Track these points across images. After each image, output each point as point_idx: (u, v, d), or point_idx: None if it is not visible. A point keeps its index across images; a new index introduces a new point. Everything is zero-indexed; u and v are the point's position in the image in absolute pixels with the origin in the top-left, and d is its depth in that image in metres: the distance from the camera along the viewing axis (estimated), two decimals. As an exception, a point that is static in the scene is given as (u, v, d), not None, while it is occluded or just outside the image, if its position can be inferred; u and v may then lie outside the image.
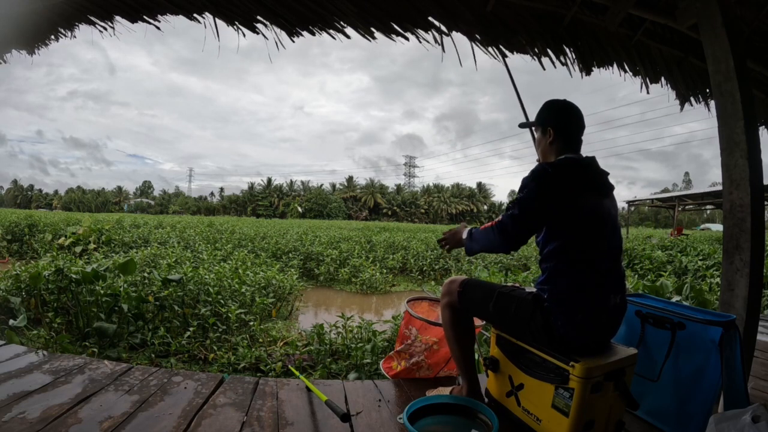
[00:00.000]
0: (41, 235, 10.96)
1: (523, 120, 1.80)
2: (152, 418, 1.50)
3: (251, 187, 70.08)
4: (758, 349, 2.32)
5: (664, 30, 2.47)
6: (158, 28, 2.61)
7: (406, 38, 2.52)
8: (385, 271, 8.90)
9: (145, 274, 4.70)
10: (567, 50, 2.67)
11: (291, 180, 76.98)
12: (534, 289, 1.46)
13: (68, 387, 1.69)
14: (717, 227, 32.55)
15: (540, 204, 1.32)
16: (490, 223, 1.41)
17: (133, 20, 2.62)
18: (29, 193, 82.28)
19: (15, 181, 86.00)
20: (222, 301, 4.40)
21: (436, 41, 2.50)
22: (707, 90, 2.89)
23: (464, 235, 1.51)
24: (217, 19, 2.44)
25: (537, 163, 1.47)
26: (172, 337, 3.60)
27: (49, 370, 1.85)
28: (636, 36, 2.49)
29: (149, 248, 7.70)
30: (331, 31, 2.51)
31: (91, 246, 9.33)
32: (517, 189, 1.45)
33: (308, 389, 1.81)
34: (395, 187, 73.45)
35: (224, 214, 59.97)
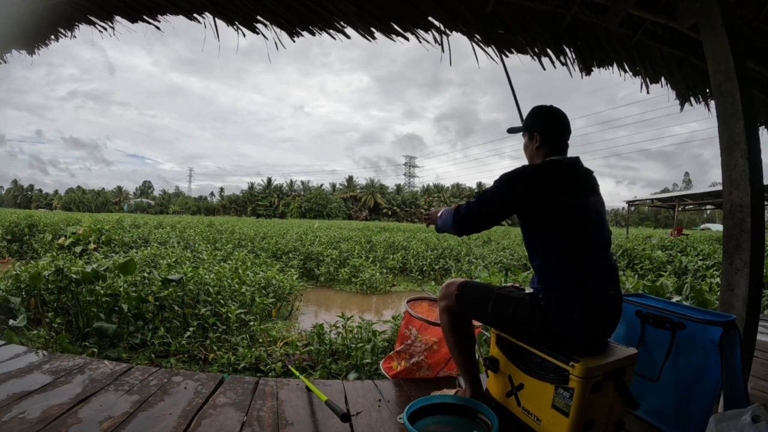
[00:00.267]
0: (41, 235, 10.96)
1: (521, 121, 1.82)
2: (152, 418, 1.50)
3: (251, 187, 70.11)
4: (758, 349, 2.33)
5: (664, 30, 2.47)
6: (158, 28, 2.61)
7: (406, 38, 2.52)
8: (385, 271, 8.90)
9: (145, 274, 4.70)
10: (567, 50, 2.67)
11: (291, 180, 77.14)
12: (531, 290, 1.47)
13: (68, 387, 1.69)
14: (717, 227, 32.55)
15: (501, 200, 1.39)
16: (455, 206, 1.49)
17: (133, 20, 2.61)
18: (29, 193, 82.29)
19: (15, 181, 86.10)
20: (222, 301, 4.40)
21: (436, 41, 2.50)
22: (707, 90, 2.89)
23: (438, 214, 1.59)
24: (217, 19, 2.44)
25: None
26: (172, 337, 3.60)
27: (49, 370, 1.85)
28: (636, 36, 2.49)
29: (149, 248, 7.70)
30: (331, 31, 2.51)
31: (91, 246, 9.33)
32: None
33: (308, 389, 1.81)
34: (395, 187, 73.49)
35: (224, 214, 59.98)
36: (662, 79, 2.88)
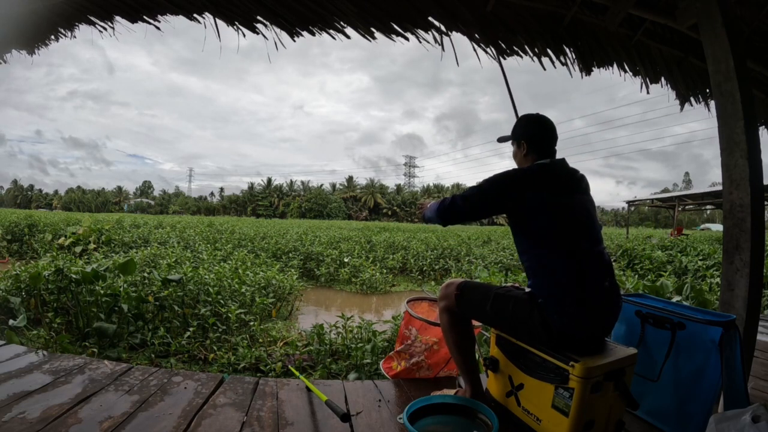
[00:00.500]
0: (41, 235, 10.96)
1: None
2: (152, 418, 1.50)
3: (251, 187, 70.11)
4: (758, 349, 2.33)
5: (664, 30, 2.47)
6: (158, 28, 2.61)
7: (406, 38, 2.52)
8: (385, 271, 8.90)
9: (145, 274, 4.70)
10: (567, 50, 2.67)
11: (291, 180, 77.14)
12: (529, 289, 1.48)
13: (68, 387, 1.70)
14: (717, 227, 32.55)
15: (488, 200, 1.45)
16: (442, 198, 1.56)
17: (133, 20, 2.61)
18: (29, 193, 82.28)
19: (15, 181, 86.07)
20: (222, 301, 4.40)
21: (436, 41, 2.50)
22: (707, 90, 2.88)
23: (428, 206, 1.66)
24: (217, 19, 2.44)
25: None
26: (172, 337, 3.60)
27: (49, 370, 1.85)
28: (636, 36, 2.49)
29: (149, 248, 7.70)
30: (331, 31, 2.51)
31: (91, 246, 9.33)
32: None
33: (308, 389, 1.81)
34: (395, 187, 73.48)
35: (224, 214, 59.97)
36: (662, 79, 2.88)
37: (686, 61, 2.64)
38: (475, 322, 1.77)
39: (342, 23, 2.48)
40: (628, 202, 23.18)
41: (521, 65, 2.80)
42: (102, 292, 3.74)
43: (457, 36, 2.51)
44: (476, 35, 2.52)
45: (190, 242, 10.20)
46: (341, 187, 71.32)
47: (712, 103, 2.89)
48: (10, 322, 3.28)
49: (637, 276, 6.42)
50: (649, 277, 6.23)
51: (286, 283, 6.16)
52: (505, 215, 1.48)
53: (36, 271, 3.96)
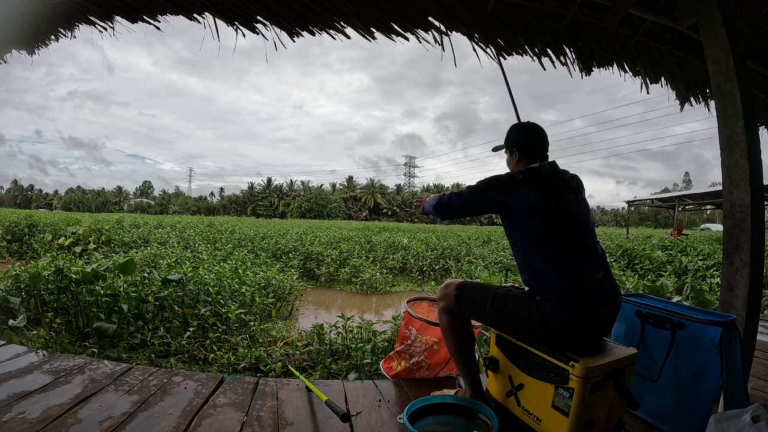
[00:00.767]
0: (41, 235, 10.96)
1: (518, 120, 1.92)
2: (152, 418, 1.50)
3: (251, 187, 70.10)
4: (758, 349, 2.33)
5: (664, 30, 2.47)
6: (158, 28, 2.61)
7: (406, 38, 2.52)
8: (385, 271, 8.90)
9: (145, 274, 4.69)
10: (567, 50, 2.67)
11: (291, 180, 77.16)
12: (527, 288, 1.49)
13: (68, 387, 1.70)
14: (717, 227, 32.54)
15: (480, 201, 1.54)
16: (441, 194, 1.69)
17: (133, 20, 2.61)
18: (29, 193, 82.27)
19: (15, 181, 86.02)
20: (222, 301, 4.39)
21: (436, 41, 2.50)
22: (707, 90, 2.88)
23: (427, 199, 1.77)
24: (217, 19, 2.44)
25: None
26: (172, 337, 3.60)
27: (49, 370, 1.85)
28: (636, 36, 2.49)
29: (149, 248, 7.69)
30: (331, 31, 2.51)
31: (91, 246, 9.33)
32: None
33: (308, 389, 1.81)
34: (395, 187, 73.46)
35: (224, 214, 59.96)
36: (662, 79, 2.88)
37: (686, 61, 2.64)
38: (475, 323, 1.77)
39: (342, 23, 2.48)
40: (628, 202, 23.17)
41: (521, 65, 2.80)
42: (102, 292, 3.74)
43: (457, 36, 2.51)
44: (476, 35, 2.52)
45: (190, 242, 10.20)
46: (341, 187, 71.33)
47: (712, 103, 2.89)
48: (10, 322, 3.28)
49: (637, 276, 6.42)
50: (649, 277, 6.23)
51: (286, 283, 6.16)
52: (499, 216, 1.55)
53: (36, 271, 3.96)
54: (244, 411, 1.62)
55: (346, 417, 1.51)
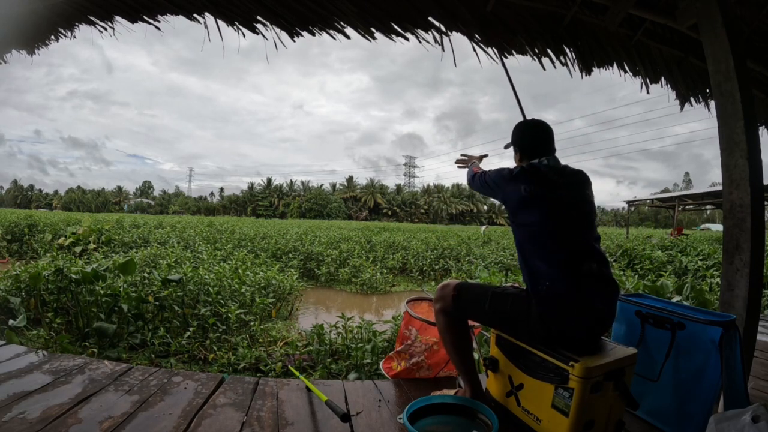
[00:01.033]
0: (41, 235, 10.96)
1: (521, 119, 1.93)
2: (152, 418, 1.50)
3: (251, 187, 70.10)
4: (758, 349, 2.32)
5: (664, 30, 2.47)
6: (158, 28, 2.61)
7: (406, 38, 2.52)
8: (385, 271, 8.89)
9: (145, 274, 4.69)
10: (567, 50, 2.67)
11: (291, 180, 77.15)
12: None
13: (68, 387, 1.69)
14: (717, 227, 32.54)
15: (487, 185, 1.67)
16: (477, 169, 1.79)
17: (133, 20, 2.61)
18: (29, 193, 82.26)
19: (15, 181, 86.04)
20: (222, 301, 4.39)
21: (436, 41, 2.50)
22: (707, 90, 2.88)
23: (471, 166, 1.89)
24: (217, 19, 2.44)
25: None
26: (172, 337, 3.60)
27: (49, 370, 1.85)
28: (636, 36, 2.49)
29: (149, 248, 7.70)
30: (331, 31, 2.51)
31: (91, 246, 9.33)
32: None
33: (308, 389, 1.81)
34: (395, 187, 73.45)
35: (224, 214, 59.96)
36: (662, 79, 2.88)
37: (686, 61, 2.64)
38: (475, 323, 1.77)
39: (342, 23, 2.48)
40: (628, 202, 23.17)
41: (521, 65, 2.80)
42: (102, 292, 3.74)
43: (457, 36, 2.51)
44: (476, 35, 2.52)
45: (190, 242, 10.20)
46: (341, 187, 71.31)
47: (712, 103, 2.89)
48: (10, 322, 3.28)
49: (637, 276, 6.42)
50: (649, 277, 6.23)
51: (286, 283, 6.16)
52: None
53: (36, 271, 3.96)
54: (244, 411, 1.62)
55: (346, 417, 1.51)
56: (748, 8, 2.24)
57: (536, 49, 2.65)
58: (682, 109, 3.05)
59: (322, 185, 71.03)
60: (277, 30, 2.49)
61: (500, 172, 1.60)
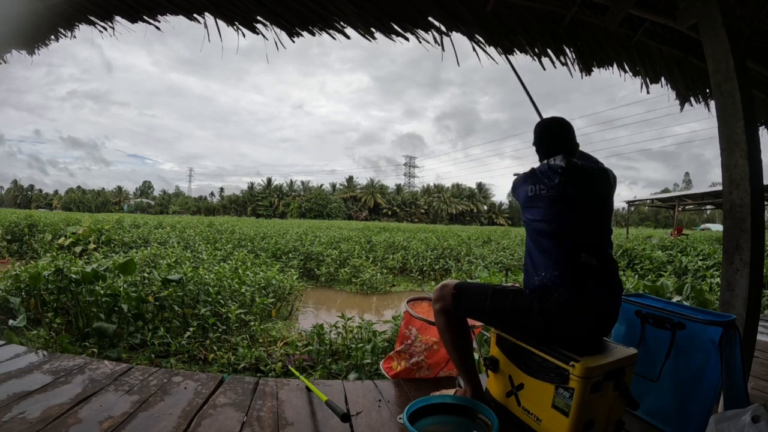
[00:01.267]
0: (41, 235, 10.96)
1: (535, 116, 1.95)
2: (152, 418, 1.50)
3: (251, 187, 70.09)
4: (758, 349, 2.32)
5: (664, 30, 2.47)
6: (158, 28, 2.61)
7: (406, 38, 2.52)
8: (385, 271, 8.89)
9: (145, 274, 4.69)
10: (567, 50, 2.67)
11: (291, 180, 77.12)
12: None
13: (68, 387, 1.69)
14: (717, 227, 32.50)
15: (514, 190, 1.68)
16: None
17: (133, 20, 2.61)
18: (29, 193, 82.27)
19: (15, 181, 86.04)
20: (222, 301, 4.40)
21: (436, 41, 2.50)
22: (707, 90, 2.88)
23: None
24: (217, 19, 2.44)
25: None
26: (172, 337, 3.60)
27: (49, 370, 1.85)
28: (636, 36, 2.49)
29: (149, 248, 7.69)
30: (331, 31, 2.51)
31: (91, 246, 9.33)
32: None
33: (308, 389, 1.81)
34: (395, 187, 73.43)
35: (224, 214, 59.96)
36: (662, 79, 2.88)
37: (686, 61, 2.64)
38: (475, 323, 1.77)
39: (342, 23, 2.48)
40: (628, 202, 23.17)
41: (521, 65, 2.79)
42: (102, 292, 3.74)
43: (457, 36, 2.51)
44: (476, 35, 2.52)
45: (190, 242, 10.20)
46: (341, 187, 71.30)
47: (712, 103, 2.89)
48: (10, 322, 3.28)
49: (637, 276, 6.42)
50: (650, 277, 6.23)
51: (286, 283, 6.16)
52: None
53: (36, 271, 3.96)
54: (244, 411, 1.62)
55: (346, 417, 1.51)
56: (748, 8, 2.24)
57: (536, 49, 2.65)
58: (682, 109, 3.05)
59: (322, 185, 71.08)
60: (277, 30, 2.49)
61: (518, 177, 1.64)
